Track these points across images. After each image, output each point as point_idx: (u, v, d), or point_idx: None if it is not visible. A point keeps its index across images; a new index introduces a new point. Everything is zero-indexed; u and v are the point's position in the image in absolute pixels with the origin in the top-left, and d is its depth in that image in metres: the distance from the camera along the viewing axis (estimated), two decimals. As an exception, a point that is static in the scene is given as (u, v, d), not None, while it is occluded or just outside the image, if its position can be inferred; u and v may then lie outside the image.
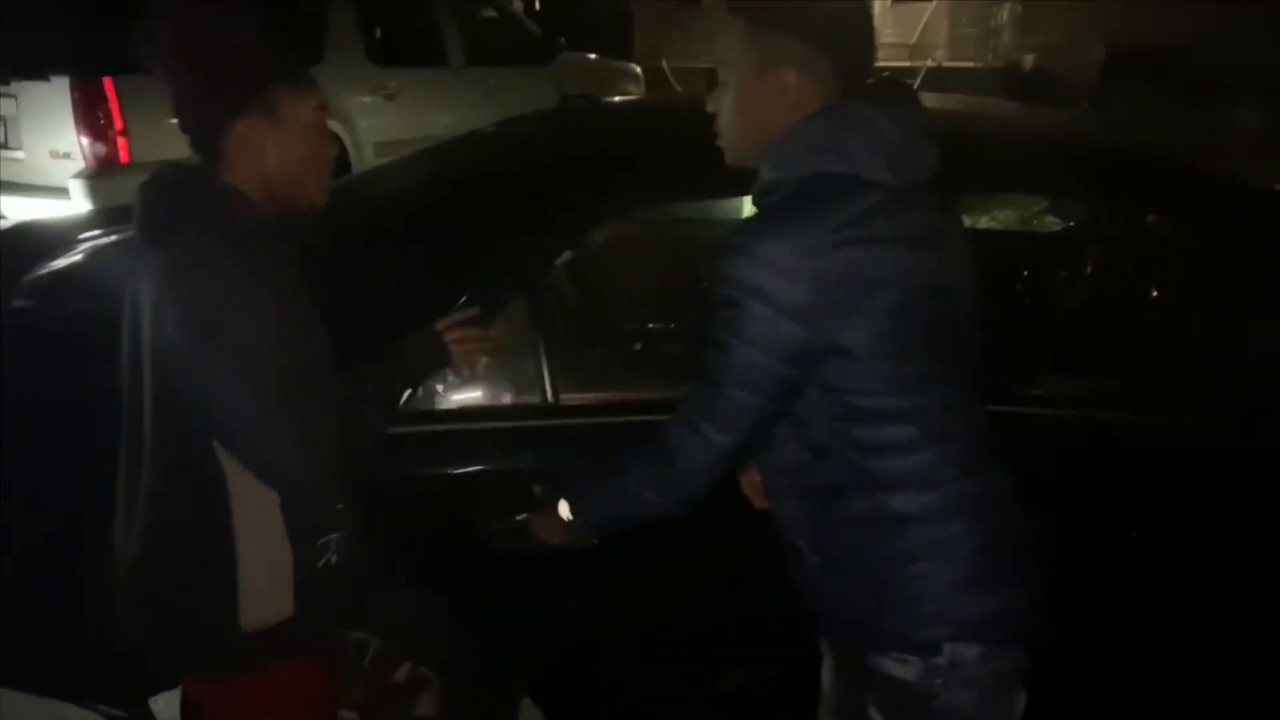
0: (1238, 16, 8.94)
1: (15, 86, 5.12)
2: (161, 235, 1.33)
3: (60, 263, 2.35)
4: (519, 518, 1.46)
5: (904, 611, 1.27)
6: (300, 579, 1.37)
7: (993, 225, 4.35)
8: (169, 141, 5.52)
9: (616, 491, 1.36)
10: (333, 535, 1.41)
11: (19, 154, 5.22)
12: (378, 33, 6.41)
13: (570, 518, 1.40)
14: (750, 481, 1.53)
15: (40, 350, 1.95)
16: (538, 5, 20.83)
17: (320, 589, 1.39)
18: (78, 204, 4.90)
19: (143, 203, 1.37)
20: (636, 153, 2.15)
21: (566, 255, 2.25)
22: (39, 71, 4.99)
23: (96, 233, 2.61)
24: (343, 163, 6.04)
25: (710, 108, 1.34)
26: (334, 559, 1.41)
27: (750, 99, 1.29)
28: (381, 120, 6.29)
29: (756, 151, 1.30)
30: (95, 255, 2.41)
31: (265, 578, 1.36)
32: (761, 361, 1.22)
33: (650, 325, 2.78)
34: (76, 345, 1.92)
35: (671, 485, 1.31)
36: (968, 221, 2.50)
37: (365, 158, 6.15)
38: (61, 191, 4.98)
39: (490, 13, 7.67)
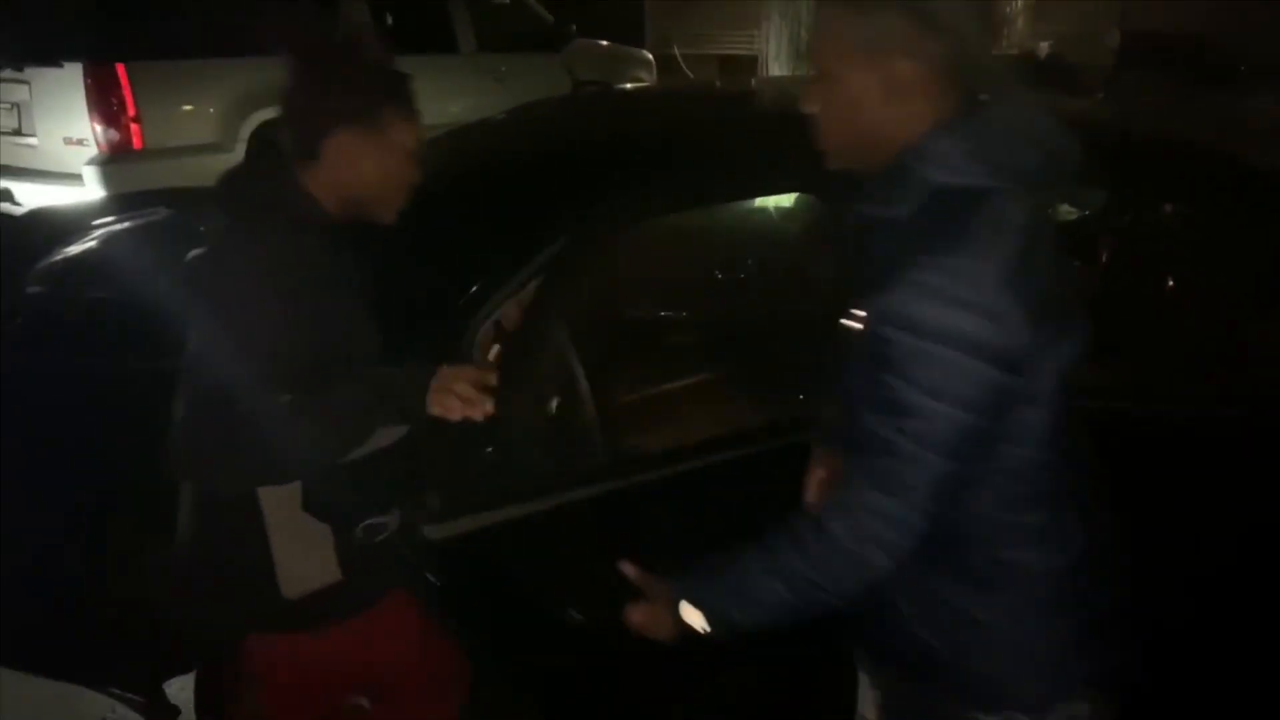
0: (1251, 3, 8.86)
1: (28, 73, 5.13)
2: (217, 219, 1.41)
3: (74, 249, 2.36)
4: (599, 605, 1.29)
5: (1017, 669, 1.17)
6: (343, 552, 1.44)
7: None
8: (182, 127, 5.57)
9: (772, 592, 1.14)
10: (381, 520, 1.47)
11: (32, 140, 5.24)
12: (389, 19, 6.40)
13: (704, 625, 1.19)
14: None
15: (55, 336, 1.96)
16: (549, -9, 20.81)
17: (368, 560, 1.47)
18: (91, 190, 4.91)
19: (217, 189, 1.44)
20: (654, 142, 2.13)
21: (579, 248, 2.24)
22: (52, 58, 5.00)
23: (110, 219, 2.62)
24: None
25: (805, 105, 1.17)
26: (381, 538, 1.48)
27: (855, 93, 1.12)
28: (393, 107, 6.27)
29: (866, 153, 1.15)
30: (109, 242, 2.42)
31: (302, 549, 1.42)
32: (965, 420, 1.03)
33: (670, 317, 2.76)
34: (90, 331, 1.93)
35: (850, 578, 1.11)
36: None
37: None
38: (75, 178, 5.00)
39: (501, -1, 7.65)
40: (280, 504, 1.40)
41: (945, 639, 1.19)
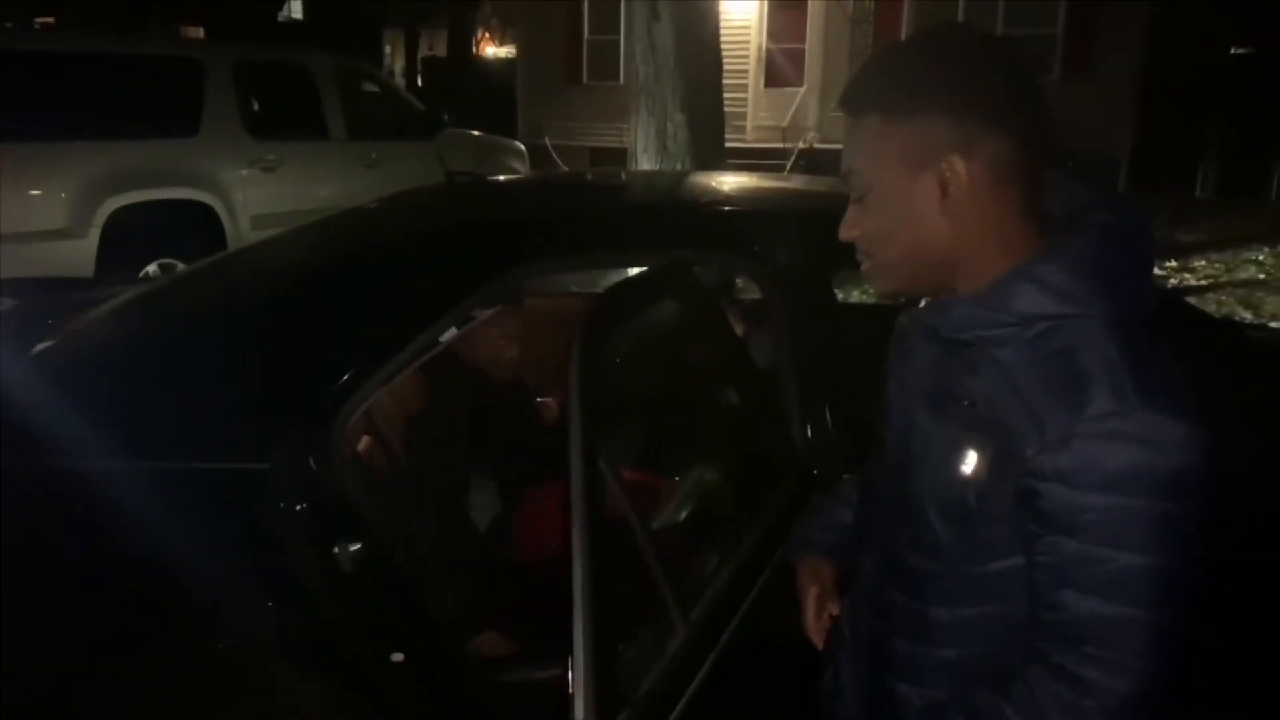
0: (1080, 97, 9.72)
1: None
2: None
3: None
4: None
5: None
6: None
7: (864, 299, 4.56)
8: (29, 212, 5.32)
9: None
10: None
11: None
12: (256, 105, 6.33)
13: None
14: (819, 626, 1.30)
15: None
16: (420, 82, 21.00)
17: None
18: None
19: None
20: (521, 229, 2.16)
21: (452, 331, 2.23)
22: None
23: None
24: (217, 235, 5.90)
25: (846, 233, 1.07)
26: None
27: (907, 208, 1.01)
28: (260, 192, 6.18)
29: (931, 273, 1.04)
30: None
31: None
32: (1186, 570, 0.93)
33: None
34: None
35: None
36: (841, 296, 2.60)
37: (241, 230, 6.02)
38: (-94, 265, 4.70)
39: (372, 87, 7.68)
40: None
41: None
